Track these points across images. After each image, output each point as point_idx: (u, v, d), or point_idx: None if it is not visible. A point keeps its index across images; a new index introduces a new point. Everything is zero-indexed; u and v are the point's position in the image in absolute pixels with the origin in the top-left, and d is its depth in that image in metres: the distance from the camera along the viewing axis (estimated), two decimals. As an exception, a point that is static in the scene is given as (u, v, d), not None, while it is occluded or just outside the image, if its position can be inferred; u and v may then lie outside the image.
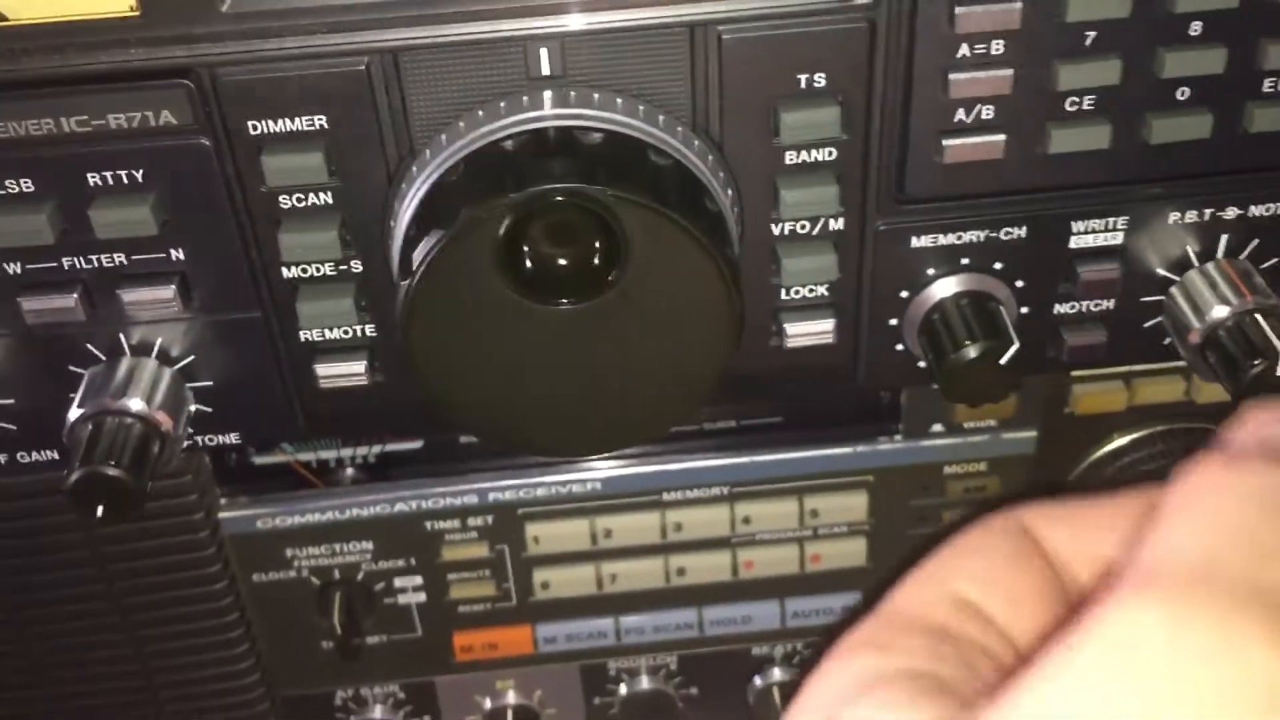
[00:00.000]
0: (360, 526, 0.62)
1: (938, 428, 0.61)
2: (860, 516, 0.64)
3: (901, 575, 0.33)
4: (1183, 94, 0.42)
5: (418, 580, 0.64)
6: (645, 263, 0.40)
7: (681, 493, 0.63)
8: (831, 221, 0.46)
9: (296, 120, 0.42)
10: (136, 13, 0.40)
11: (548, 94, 0.42)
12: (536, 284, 0.40)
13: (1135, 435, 0.61)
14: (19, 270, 0.45)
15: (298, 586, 0.63)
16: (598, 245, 0.40)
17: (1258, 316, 0.45)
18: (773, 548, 0.65)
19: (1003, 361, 0.45)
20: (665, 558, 0.65)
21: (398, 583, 0.64)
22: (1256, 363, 0.44)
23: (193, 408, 0.49)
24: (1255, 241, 0.47)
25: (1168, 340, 0.49)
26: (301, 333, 0.47)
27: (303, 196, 0.44)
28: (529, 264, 0.40)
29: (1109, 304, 0.48)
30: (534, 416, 0.44)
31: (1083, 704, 0.24)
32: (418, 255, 0.40)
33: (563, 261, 0.40)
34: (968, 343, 0.46)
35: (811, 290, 0.47)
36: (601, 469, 0.61)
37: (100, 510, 0.44)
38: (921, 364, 0.49)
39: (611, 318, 0.41)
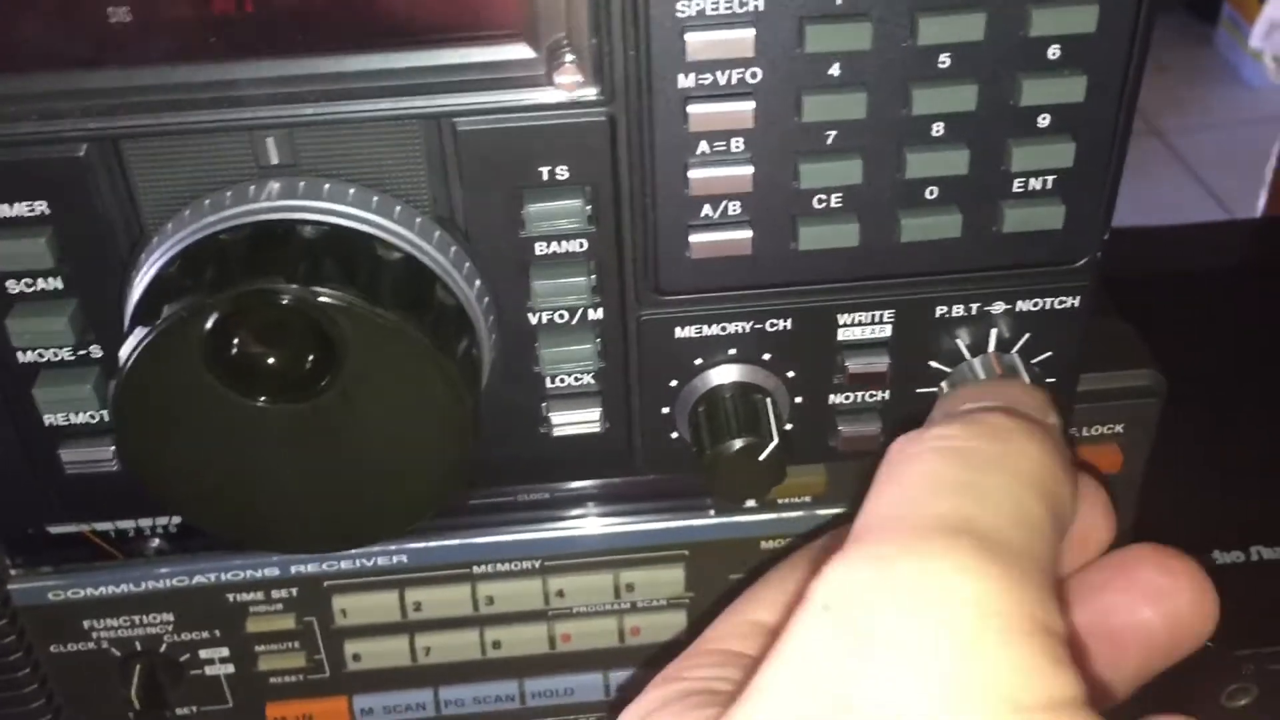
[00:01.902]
0: (160, 598, 0.60)
1: (752, 503, 0.60)
2: (677, 590, 0.63)
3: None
4: (931, 193, 0.42)
5: (224, 652, 0.62)
6: (365, 362, 0.39)
7: (492, 566, 0.61)
8: (590, 311, 0.45)
9: (15, 206, 0.41)
10: None
11: (274, 185, 0.40)
12: (246, 383, 0.39)
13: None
14: None
15: (98, 658, 0.61)
16: (311, 346, 0.39)
17: (1016, 415, 0.44)
18: (590, 620, 0.63)
19: (761, 458, 0.44)
20: (480, 630, 0.63)
21: (204, 654, 0.62)
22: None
23: (-62, 494, 0.47)
24: (1026, 336, 0.46)
25: (946, 432, 0.48)
26: (45, 417, 0.45)
27: (31, 282, 0.42)
28: (237, 362, 0.38)
29: (882, 395, 0.47)
30: (265, 514, 0.43)
31: (812, 665, 0.25)
32: (123, 353, 0.38)
33: (271, 361, 0.38)
34: (728, 438, 0.45)
35: (576, 379, 0.46)
36: (409, 541, 0.60)
37: None
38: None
39: (333, 417, 0.40)
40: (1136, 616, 0.34)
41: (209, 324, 0.37)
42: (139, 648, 0.61)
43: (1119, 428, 0.58)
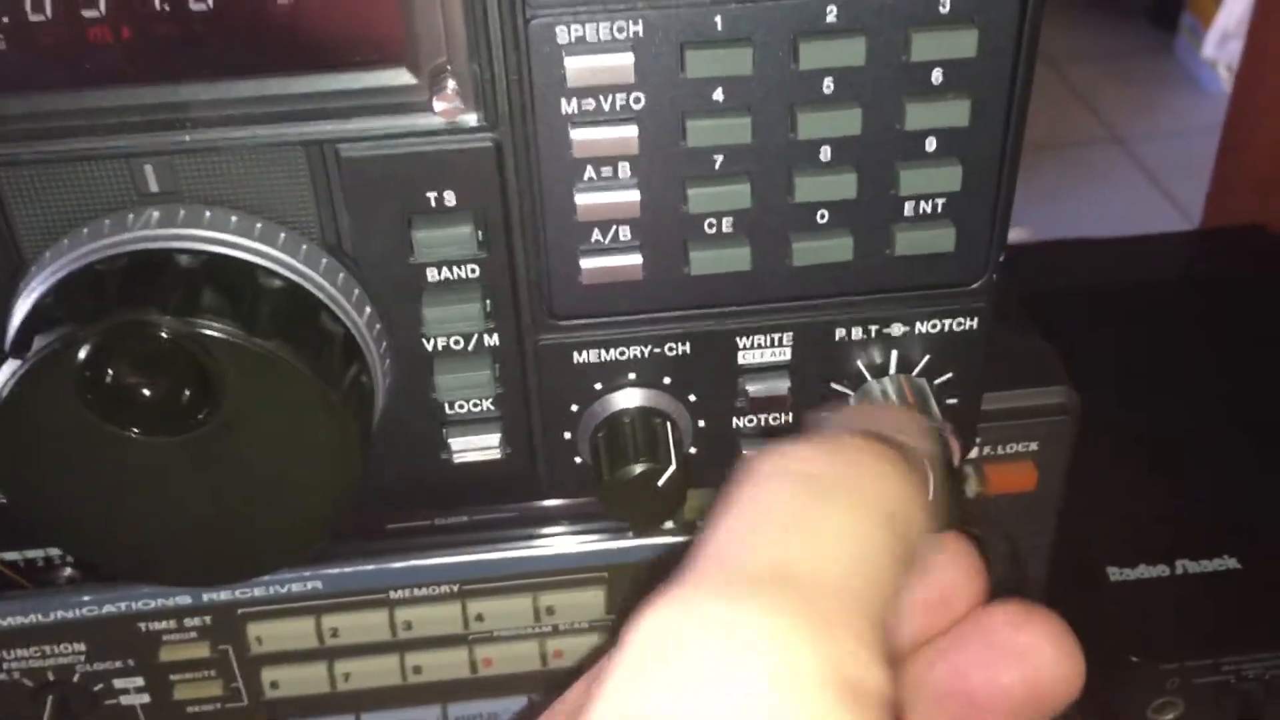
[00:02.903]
0: (71, 628, 0.59)
1: (669, 524, 0.60)
2: (599, 613, 0.62)
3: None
4: (821, 217, 0.41)
5: (139, 681, 0.61)
6: (245, 392, 0.38)
7: (409, 590, 0.61)
8: (485, 337, 0.44)
9: (-111, 235, 0.40)
10: None
11: (154, 213, 0.40)
12: (122, 415, 0.38)
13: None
14: None
15: (9, 689, 0.60)
16: (189, 377, 0.38)
17: (914, 440, 0.44)
18: (511, 644, 0.63)
19: (660, 484, 0.44)
20: (400, 655, 0.62)
21: (118, 683, 0.61)
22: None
23: None
24: (926, 358, 0.46)
25: (851, 454, 0.48)
26: (-70, 448, 0.44)
27: (-92, 314, 0.41)
28: (112, 394, 0.38)
29: (786, 418, 0.47)
30: (152, 546, 0.42)
31: (616, 711, 0.24)
32: (-3, 386, 0.38)
33: (148, 393, 0.38)
34: (626, 463, 0.44)
35: (475, 405, 0.46)
36: (323, 567, 0.59)
37: None
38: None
39: (215, 447, 0.39)
40: (994, 678, 0.32)
41: (82, 355, 0.37)
42: (51, 678, 0.60)
43: (1033, 445, 0.58)
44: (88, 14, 0.39)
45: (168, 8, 0.39)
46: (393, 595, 0.61)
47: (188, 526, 0.41)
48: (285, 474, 0.40)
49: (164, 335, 0.36)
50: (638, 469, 0.44)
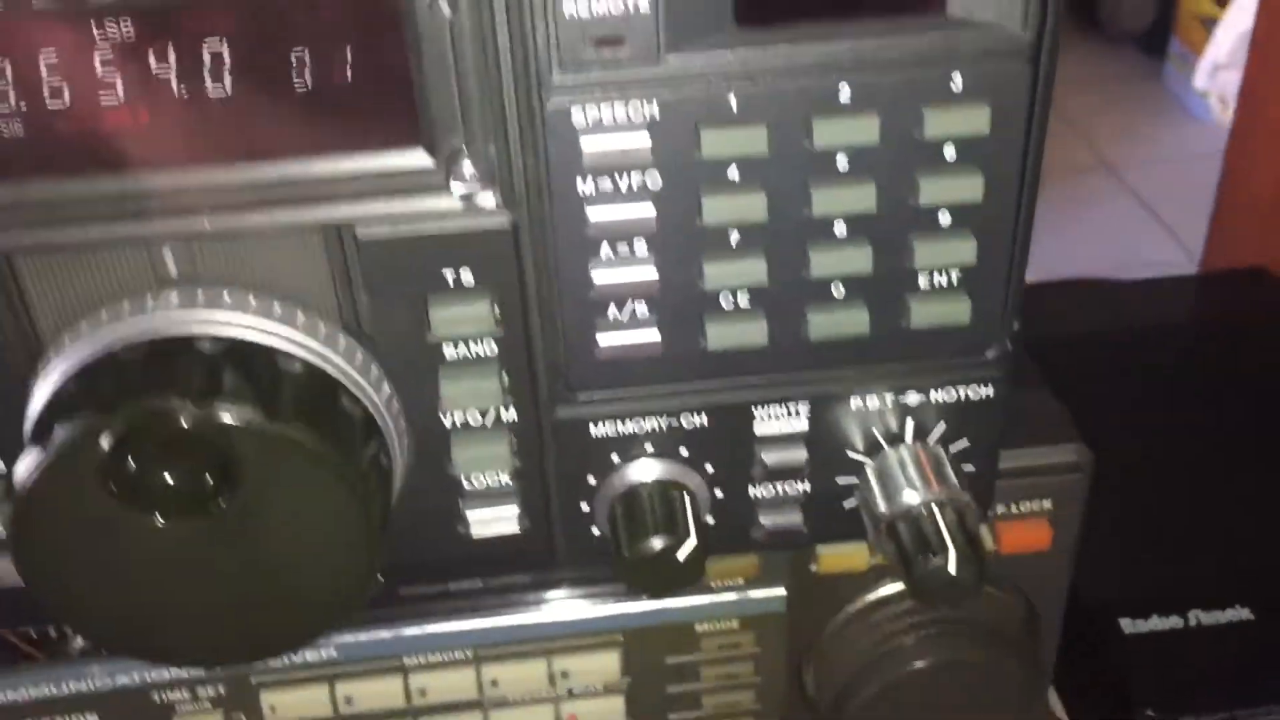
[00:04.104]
0: (84, 700, 0.59)
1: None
2: (613, 676, 0.62)
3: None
4: (838, 291, 0.42)
5: (151, 752, 0.61)
6: (266, 476, 0.38)
7: (424, 657, 0.60)
8: (503, 412, 0.44)
9: (-93, 321, 0.40)
10: None
11: (173, 296, 0.40)
12: (145, 502, 0.38)
13: (884, 592, 0.60)
14: None
15: (21, 762, 0.60)
16: (211, 461, 0.38)
17: (934, 510, 0.44)
18: (526, 708, 0.62)
19: (680, 557, 0.44)
20: (414, 722, 0.62)
21: (131, 755, 0.61)
22: (930, 560, 0.43)
23: None
24: (942, 426, 0.46)
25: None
26: (-50, 532, 0.44)
27: (-75, 398, 0.41)
28: (135, 481, 0.38)
29: (803, 486, 0.47)
30: (172, 629, 0.42)
31: None
32: (19, 474, 0.38)
33: (171, 480, 0.38)
34: (645, 537, 0.44)
35: (493, 479, 0.46)
36: (338, 635, 0.59)
37: None
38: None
39: (236, 531, 0.39)
40: None
41: (105, 444, 0.37)
42: (62, 751, 0.60)
43: (1047, 503, 0.58)
44: (106, 101, 0.39)
45: (185, 94, 0.39)
46: (407, 662, 0.61)
47: (208, 609, 0.41)
48: (306, 556, 0.40)
49: (184, 423, 0.36)
50: (657, 544, 0.44)
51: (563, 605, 0.60)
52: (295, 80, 0.39)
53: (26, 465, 0.37)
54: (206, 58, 0.39)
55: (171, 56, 0.39)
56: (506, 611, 0.60)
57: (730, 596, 0.60)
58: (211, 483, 0.38)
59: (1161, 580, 0.72)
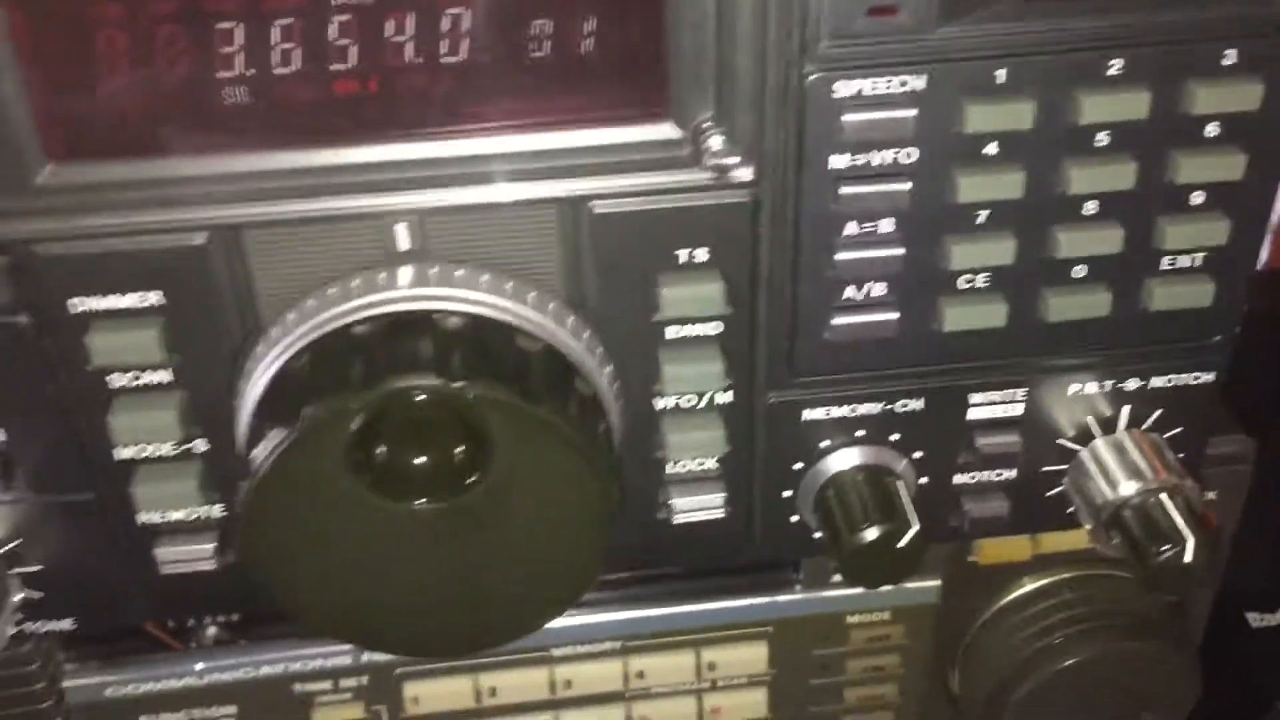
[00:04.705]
0: (223, 691, 0.57)
1: (839, 577, 0.59)
2: (761, 668, 0.61)
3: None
4: (1079, 272, 0.40)
5: (287, 744, 0.60)
6: (511, 459, 0.37)
7: (571, 648, 0.59)
8: (718, 395, 0.43)
9: (126, 297, 0.38)
10: (-59, 185, 0.36)
11: (404, 271, 0.38)
12: (393, 484, 0.36)
13: (1041, 583, 0.59)
14: None
15: (154, 755, 0.58)
16: (459, 442, 0.36)
17: (1163, 498, 0.43)
18: (669, 701, 0.61)
19: (901, 545, 0.43)
20: (554, 714, 0.61)
21: (265, 747, 0.59)
22: (1164, 548, 0.42)
23: (19, 596, 0.44)
24: (1158, 412, 0.45)
25: (1071, 509, 0.47)
26: (139, 515, 0.43)
27: (137, 375, 0.40)
28: (384, 463, 0.36)
29: (1010, 474, 0.46)
30: (396, 618, 0.40)
31: None
32: (258, 455, 0.36)
33: (419, 461, 0.36)
34: (864, 525, 0.43)
35: (700, 464, 0.44)
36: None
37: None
38: (817, 535, 0.46)
39: (477, 515, 0.38)
40: None
41: (355, 425, 0.35)
42: (196, 743, 0.58)
43: (1211, 494, 0.57)
44: (335, 67, 0.37)
45: (419, 60, 0.37)
46: (554, 653, 0.59)
47: (433, 597, 0.40)
48: (540, 540, 0.39)
49: (443, 403, 0.35)
50: (880, 531, 0.43)
51: (713, 595, 0.59)
52: (535, 51, 0.37)
53: (268, 445, 0.36)
54: (445, 24, 0.37)
55: (410, 23, 0.37)
56: (657, 603, 0.58)
57: (883, 588, 0.59)
58: (458, 465, 0.37)
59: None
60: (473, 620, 0.40)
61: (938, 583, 0.59)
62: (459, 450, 0.36)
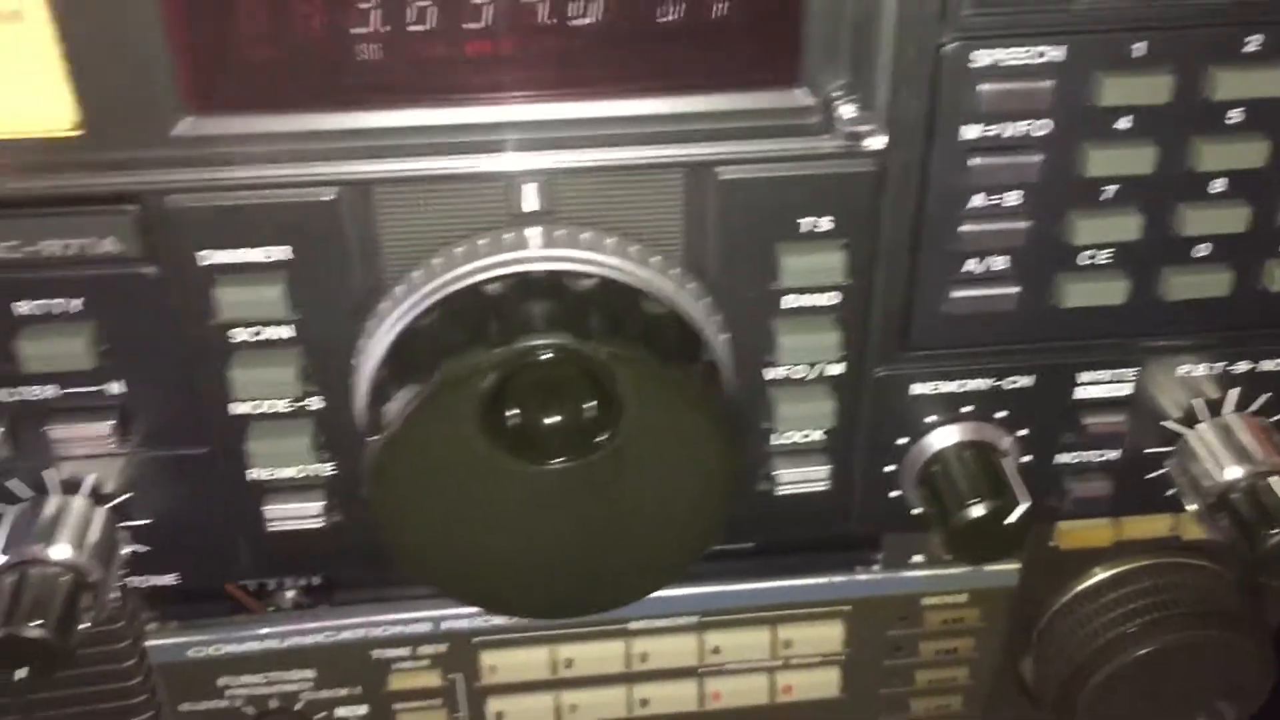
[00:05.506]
0: (302, 654, 0.57)
1: (918, 558, 0.59)
2: (835, 647, 0.61)
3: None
4: (1202, 251, 0.40)
5: (362, 710, 0.60)
6: (639, 420, 0.37)
7: (649, 621, 0.59)
8: (829, 367, 0.43)
9: (255, 251, 0.38)
10: (79, 133, 0.36)
11: (533, 232, 0.38)
12: (521, 443, 0.37)
13: (1120, 570, 0.59)
14: (-68, 403, 0.40)
15: (230, 717, 0.58)
16: (589, 402, 0.37)
17: (1272, 481, 0.43)
18: (742, 677, 0.61)
19: (1009, 521, 0.43)
20: (628, 687, 0.61)
21: (340, 712, 0.60)
22: (1274, 532, 0.42)
23: (126, 550, 0.44)
24: (1265, 395, 0.45)
25: (1171, 492, 0.46)
26: (251, 471, 0.43)
27: (258, 330, 0.40)
28: (513, 421, 0.36)
29: (1113, 455, 0.46)
30: (513, 578, 0.40)
31: None
32: (390, 411, 0.36)
33: (551, 420, 0.36)
34: (971, 501, 0.43)
35: (806, 436, 0.45)
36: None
37: (21, 672, 0.40)
38: (916, 510, 0.46)
39: (601, 476, 0.38)
40: None
41: (489, 382, 0.35)
42: (273, 705, 0.59)
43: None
44: (469, 26, 0.38)
45: (552, 21, 0.37)
46: (631, 626, 0.59)
47: (555, 558, 0.40)
48: (664, 502, 0.39)
49: (586, 361, 0.35)
50: (989, 506, 0.42)
51: (791, 574, 0.59)
52: (667, 14, 0.37)
53: (402, 400, 0.36)
54: (578, -15, 0.37)
55: (544, -18, 0.37)
56: (736, 578, 0.59)
57: (963, 570, 0.59)
58: (588, 425, 0.37)
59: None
60: (590, 583, 0.40)
61: (1018, 566, 0.59)
62: (584, 412, 0.36)
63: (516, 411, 0.36)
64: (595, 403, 0.36)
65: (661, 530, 0.40)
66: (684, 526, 0.40)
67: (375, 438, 0.36)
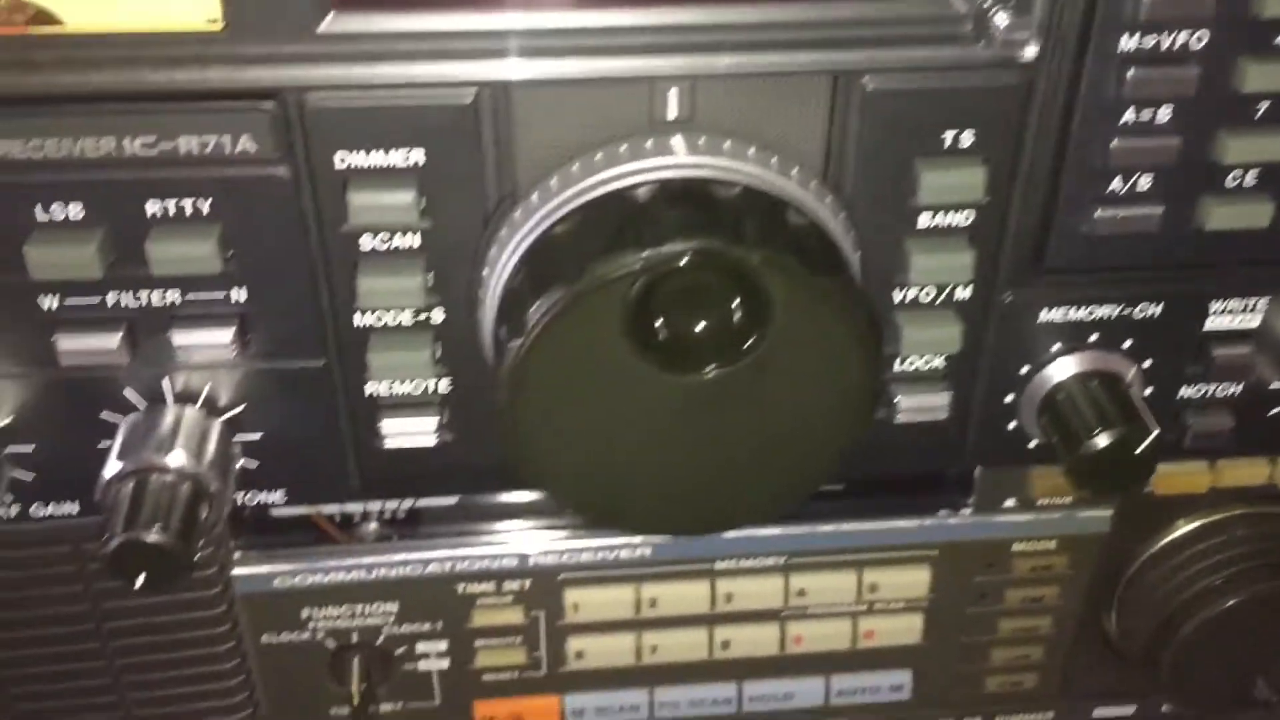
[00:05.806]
0: (386, 587, 0.57)
1: (1010, 503, 0.58)
2: (921, 592, 0.60)
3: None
4: (1354, 176, 0.40)
5: (442, 646, 0.59)
6: (785, 330, 0.36)
7: (735, 561, 0.58)
8: (959, 290, 0.42)
9: (390, 154, 0.38)
10: (220, 27, 0.35)
11: (677, 139, 0.38)
12: (666, 352, 0.36)
13: (1214, 518, 0.58)
14: (56, 305, 0.40)
15: (311, 649, 0.58)
16: (732, 310, 0.36)
17: None
18: (825, 622, 0.61)
19: (1139, 451, 0.42)
20: (710, 629, 0.60)
21: (420, 647, 0.59)
22: None
23: (239, 464, 0.44)
24: (1397, 332, 0.44)
25: (1292, 429, 0.46)
26: (368, 385, 0.42)
27: (388, 238, 0.39)
28: (659, 329, 0.36)
29: (1236, 389, 0.45)
30: (640, 493, 0.40)
31: None
32: (533, 315, 0.35)
33: (699, 327, 0.36)
34: (1099, 429, 0.42)
35: (928, 362, 0.44)
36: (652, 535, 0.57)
37: (141, 580, 0.39)
38: (1033, 443, 0.46)
39: (743, 388, 0.37)
40: None
41: (635, 287, 0.34)
42: (355, 639, 0.58)
43: None
44: (614, -74, 0.37)
45: (699, -77, 0.37)
46: (718, 566, 0.59)
47: (685, 472, 0.39)
48: (801, 418, 0.38)
49: (737, 266, 0.34)
50: (1118, 434, 0.42)
51: (880, 516, 0.58)
52: (814, -84, 0.36)
53: (543, 305, 0.35)
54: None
55: (694, -120, 0.36)
56: (824, 519, 0.58)
57: (1056, 515, 0.58)
58: (729, 335, 0.36)
59: None
60: (718, 500, 0.40)
61: (1109, 512, 0.58)
62: (729, 321, 0.36)
63: (660, 316, 0.35)
64: (742, 310, 0.36)
65: (794, 448, 0.39)
66: (818, 445, 0.39)
67: (514, 343, 0.36)
